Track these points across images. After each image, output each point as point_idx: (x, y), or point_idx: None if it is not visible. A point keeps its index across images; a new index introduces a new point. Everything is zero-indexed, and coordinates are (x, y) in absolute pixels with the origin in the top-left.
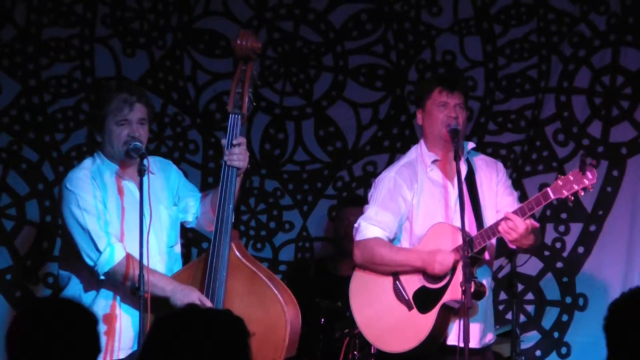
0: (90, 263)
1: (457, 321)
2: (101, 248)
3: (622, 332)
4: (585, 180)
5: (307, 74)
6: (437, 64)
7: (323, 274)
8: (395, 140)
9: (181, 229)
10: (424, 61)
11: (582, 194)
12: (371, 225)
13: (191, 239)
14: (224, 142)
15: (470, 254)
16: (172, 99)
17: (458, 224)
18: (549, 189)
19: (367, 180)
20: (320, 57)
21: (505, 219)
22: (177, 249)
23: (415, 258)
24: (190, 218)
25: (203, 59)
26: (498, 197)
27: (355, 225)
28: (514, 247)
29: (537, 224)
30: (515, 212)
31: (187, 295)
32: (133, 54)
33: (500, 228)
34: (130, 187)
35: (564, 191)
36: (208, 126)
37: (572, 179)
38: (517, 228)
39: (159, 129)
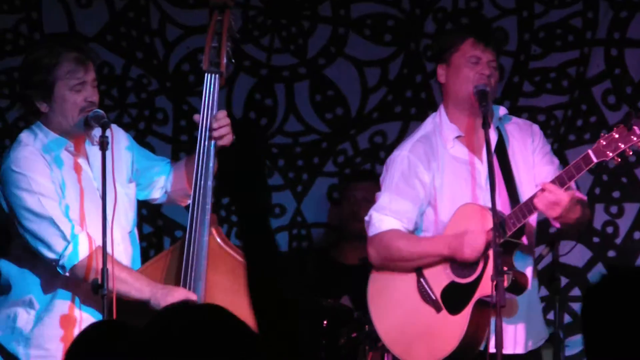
0: (54, 256)
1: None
2: (69, 237)
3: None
4: (633, 137)
5: (300, 26)
6: (460, 13)
7: (324, 265)
8: (409, 105)
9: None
10: (443, 9)
11: (631, 153)
12: (385, 217)
13: (162, 227)
14: (197, 117)
15: (504, 239)
16: (136, 58)
17: (489, 204)
18: (590, 151)
19: (375, 153)
20: (316, 5)
21: (542, 190)
22: (136, 233)
23: (440, 245)
24: (157, 194)
25: (173, 9)
26: (535, 168)
27: (366, 218)
28: (559, 225)
29: (583, 196)
30: (552, 182)
31: (169, 295)
32: (89, 4)
33: (537, 202)
34: (83, 164)
35: (608, 152)
36: (180, 91)
37: (617, 136)
38: (560, 201)
39: (120, 95)
